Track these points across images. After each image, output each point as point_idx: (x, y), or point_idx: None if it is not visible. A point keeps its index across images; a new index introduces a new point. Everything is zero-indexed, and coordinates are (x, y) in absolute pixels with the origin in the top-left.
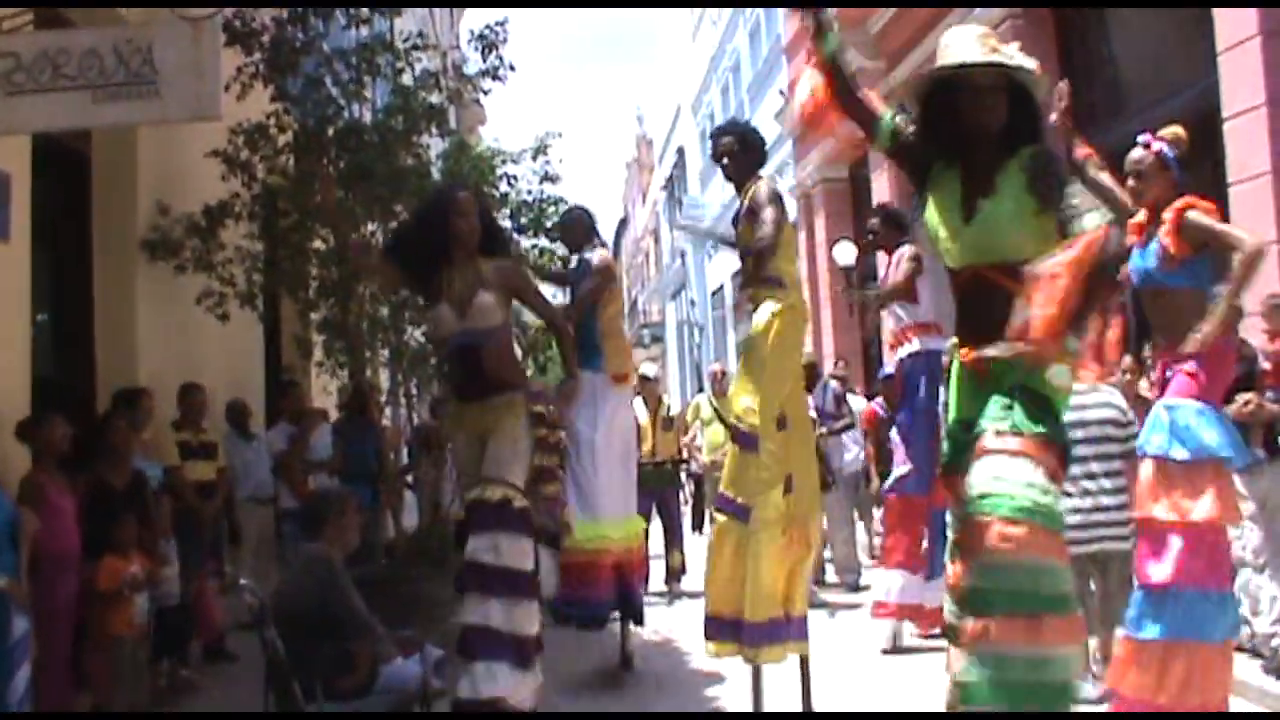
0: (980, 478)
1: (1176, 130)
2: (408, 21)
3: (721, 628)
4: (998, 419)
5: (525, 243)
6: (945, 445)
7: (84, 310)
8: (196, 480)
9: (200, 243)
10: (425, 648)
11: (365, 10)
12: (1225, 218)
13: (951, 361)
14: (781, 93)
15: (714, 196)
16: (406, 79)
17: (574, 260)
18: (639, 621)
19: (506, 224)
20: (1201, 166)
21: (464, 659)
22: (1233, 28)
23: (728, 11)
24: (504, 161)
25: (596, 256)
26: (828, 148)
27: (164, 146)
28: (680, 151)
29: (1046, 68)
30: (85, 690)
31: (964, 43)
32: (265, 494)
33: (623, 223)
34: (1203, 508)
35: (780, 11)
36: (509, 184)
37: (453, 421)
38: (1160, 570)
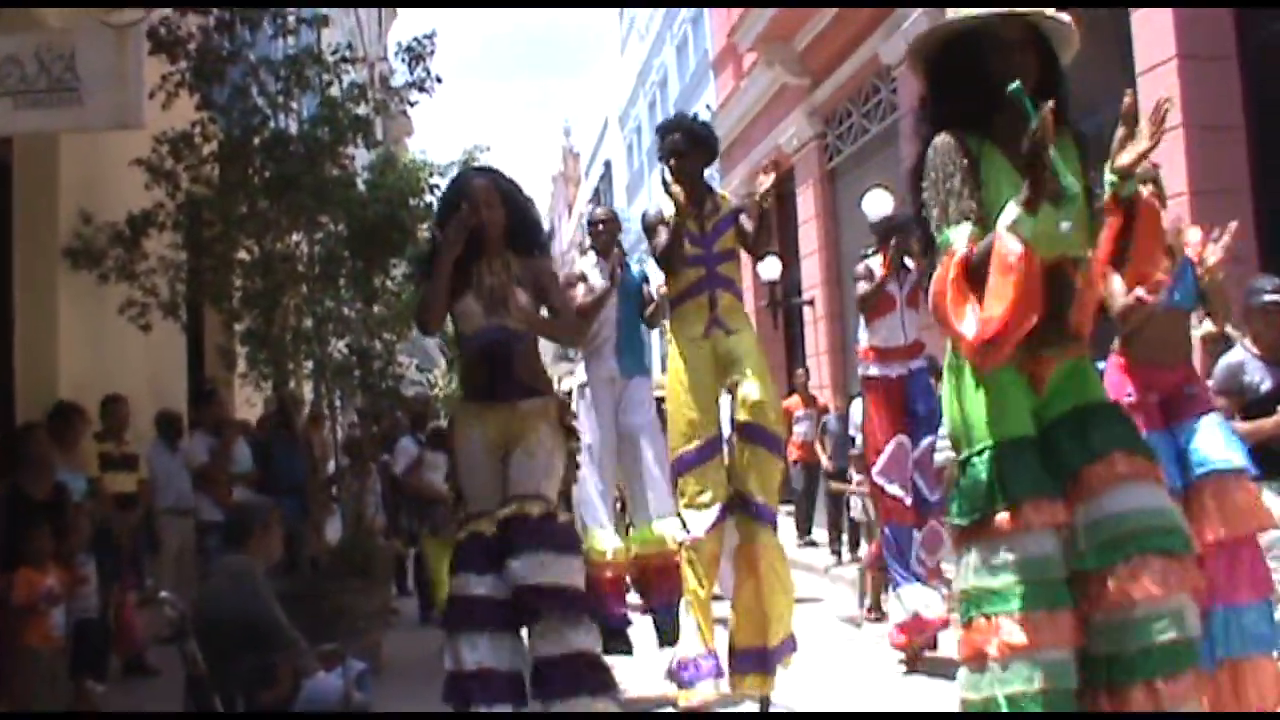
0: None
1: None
2: (335, 33)
3: (748, 659)
4: (1125, 440)
5: None
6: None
7: (4, 319)
8: (117, 492)
9: (123, 252)
10: (348, 661)
11: (292, 20)
12: None
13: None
14: (708, 107)
15: (640, 210)
16: (334, 91)
17: (596, 261)
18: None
19: (427, 234)
20: None
21: (556, 697)
22: (1150, 50)
23: (656, 25)
24: (431, 174)
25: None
26: (754, 162)
27: (87, 154)
28: (607, 165)
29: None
30: (2, 700)
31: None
32: (186, 505)
33: (549, 236)
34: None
35: (708, 28)
36: (431, 193)
37: (464, 425)
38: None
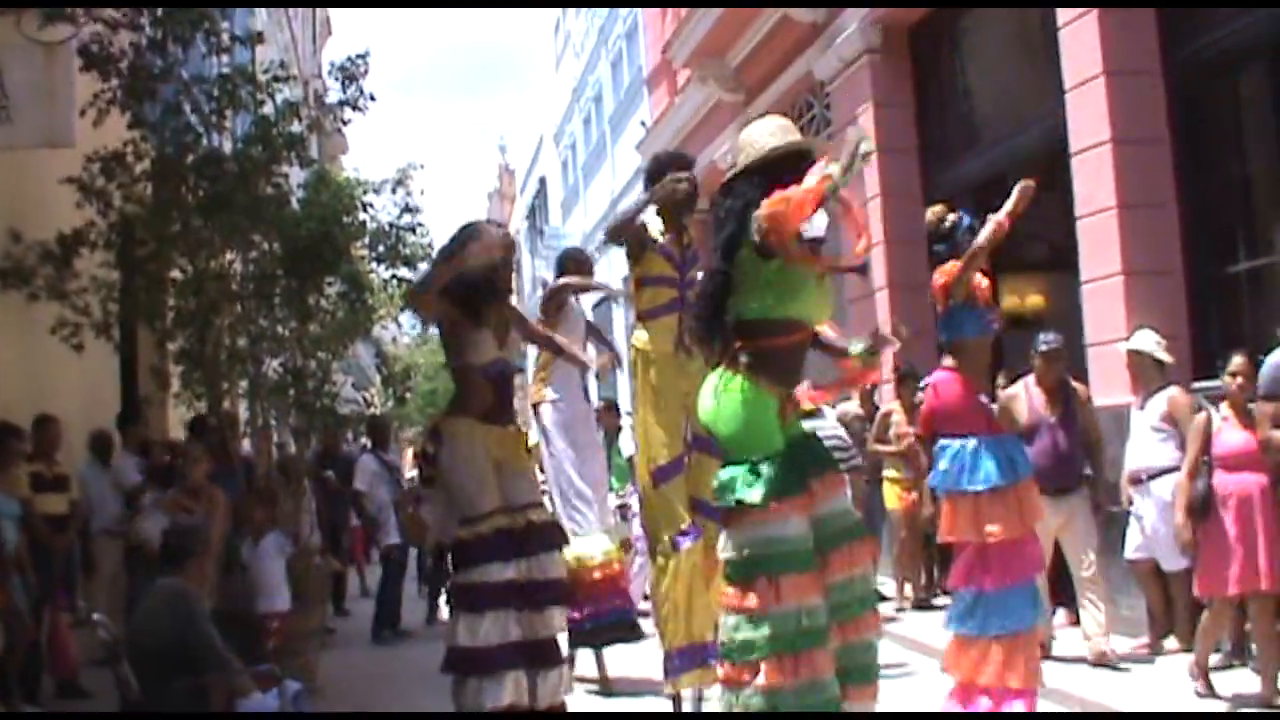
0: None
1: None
2: (270, 50)
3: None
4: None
5: (384, 272)
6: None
7: None
8: (48, 513)
9: (54, 271)
10: (283, 682)
11: (226, 38)
12: (1073, 250)
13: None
14: (643, 123)
15: (575, 226)
16: (268, 109)
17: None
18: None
19: (364, 253)
20: (1050, 200)
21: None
22: (1079, 67)
23: (591, 42)
24: (365, 192)
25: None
26: None
27: (17, 172)
28: (542, 181)
29: (901, 101)
30: None
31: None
32: (121, 526)
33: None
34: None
35: (642, 44)
36: (364, 211)
37: (468, 438)
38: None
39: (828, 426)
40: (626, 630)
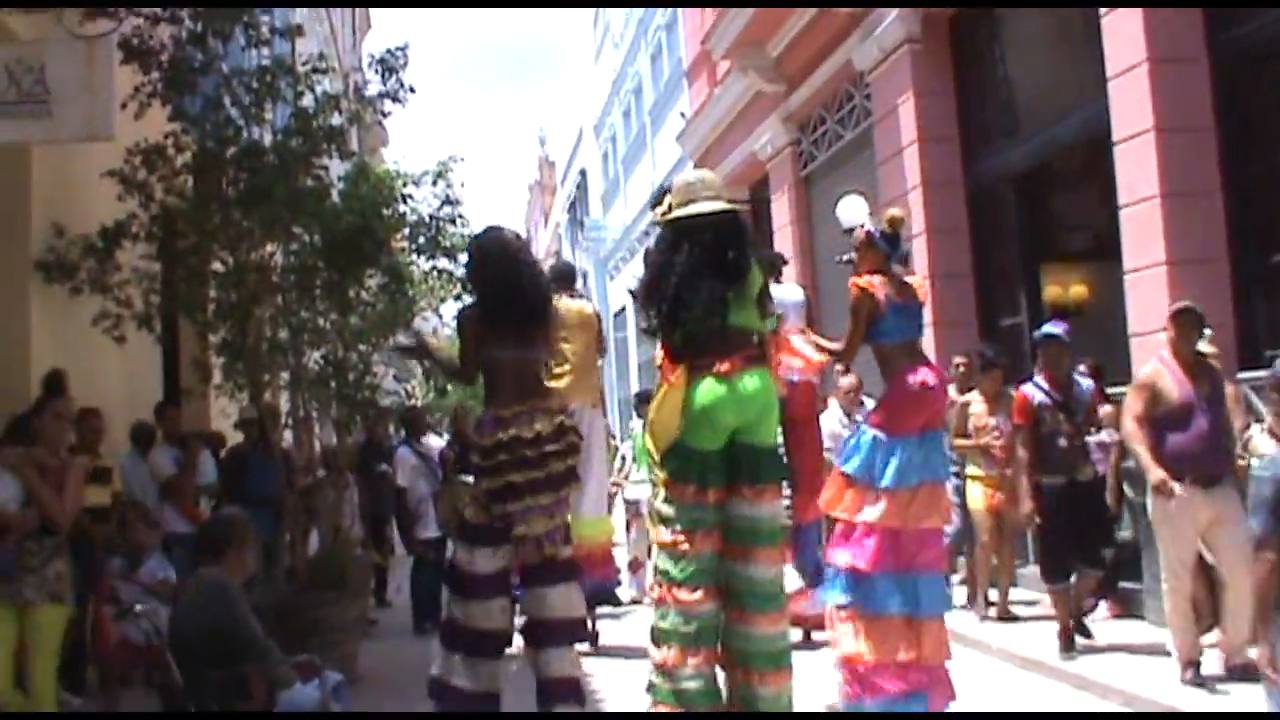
0: None
1: (894, 212)
2: (310, 43)
3: None
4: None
5: (424, 264)
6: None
7: None
8: (91, 505)
9: (96, 264)
10: (324, 673)
11: (265, 31)
12: (1115, 240)
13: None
14: (682, 115)
15: (615, 219)
16: (307, 101)
17: None
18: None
19: (404, 245)
20: (1091, 189)
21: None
22: (1122, 54)
23: (631, 34)
24: (405, 184)
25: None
26: (729, 170)
27: (59, 166)
28: (583, 173)
29: (942, 89)
30: None
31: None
32: (160, 517)
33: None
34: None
35: (682, 35)
36: (405, 203)
37: None
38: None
39: None
40: (608, 597)
